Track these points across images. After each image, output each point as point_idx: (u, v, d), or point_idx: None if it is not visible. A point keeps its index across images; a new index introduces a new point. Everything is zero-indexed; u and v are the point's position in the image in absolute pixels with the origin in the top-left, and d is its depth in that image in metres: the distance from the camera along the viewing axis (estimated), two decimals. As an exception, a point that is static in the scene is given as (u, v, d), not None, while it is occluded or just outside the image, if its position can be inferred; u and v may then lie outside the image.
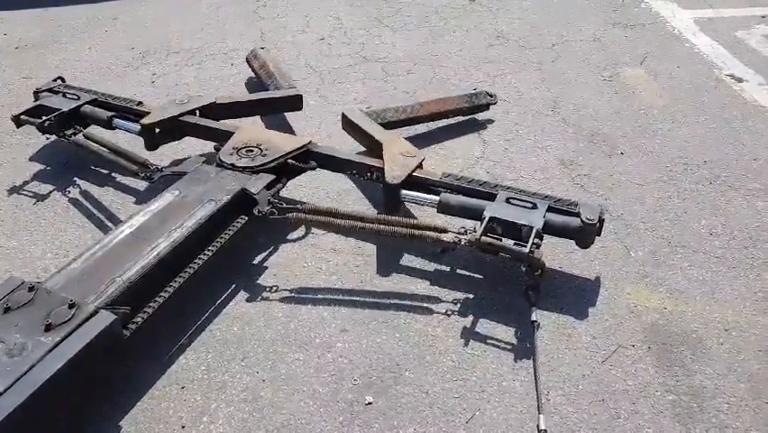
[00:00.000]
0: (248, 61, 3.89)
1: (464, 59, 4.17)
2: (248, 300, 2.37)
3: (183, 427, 1.93)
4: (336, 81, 3.98)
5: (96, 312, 1.83)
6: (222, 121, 3.04)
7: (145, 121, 2.92)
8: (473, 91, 3.47)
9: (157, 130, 2.96)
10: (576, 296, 2.35)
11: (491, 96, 3.44)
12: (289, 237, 2.67)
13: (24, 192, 3.01)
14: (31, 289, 1.89)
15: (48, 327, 1.77)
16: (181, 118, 2.95)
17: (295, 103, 3.33)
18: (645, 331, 2.20)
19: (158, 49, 4.41)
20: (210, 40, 4.56)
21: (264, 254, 2.58)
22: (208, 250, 2.26)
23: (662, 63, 4.00)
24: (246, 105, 3.24)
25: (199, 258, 2.22)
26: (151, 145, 2.98)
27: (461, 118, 3.44)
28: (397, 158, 2.60)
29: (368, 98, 3.74)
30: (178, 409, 1.98)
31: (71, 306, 1.83)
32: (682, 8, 4.76)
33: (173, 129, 2.99)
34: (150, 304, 2.02)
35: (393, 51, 4.33)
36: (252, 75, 3.88)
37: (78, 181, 3.05)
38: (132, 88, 3.88)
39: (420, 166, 2.59)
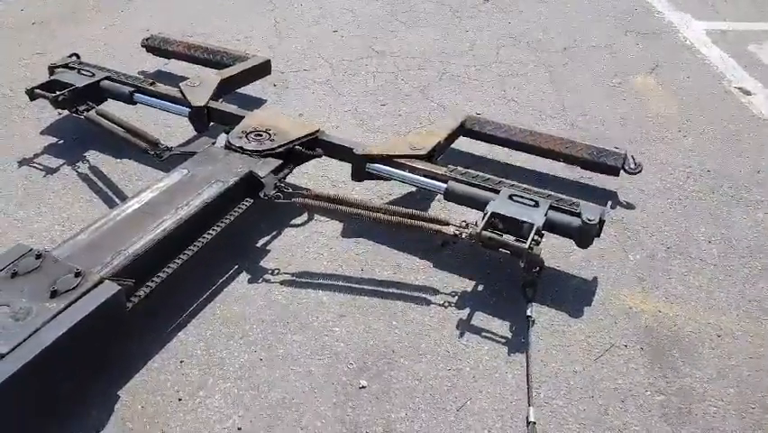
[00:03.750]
0: (154, 49, 3.85)
1: (475, 59, 4.19)
2: (249, 282, 2.41)
3: (180, 399, 1.96)
4: (347, 73, 4.01)
5: (101, 282, 1.87)
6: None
7: (199, 103, 2.98)
8: (615, 149, 2.85)
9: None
10: (573, 295, 2.38)
11: (635, 165, 2.82)
12: (293, 222, 2.71)
13: (35, 165, 3.05)
14: (38, 256, 1.93)
15: (53, 294, 1.81)
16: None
17: (266, 68, 3.63)
18: (639, 332, 2.23)
19: (171, 32, 4.44)
20: (223, 26, 4.59)
21: (267, 238, 2.62)
22: (213, 229, 2.30)
23: (672, 73, 4.02)
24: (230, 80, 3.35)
25: (204, 237, 2.26)
26: (204, 127, 3.04)
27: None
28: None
29: (378, 91, 3.77)
30: (176, 383, 2.02)
31: (77, 274, 1.87)
32: (696, 19, 4.77)
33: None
34: (154, 278, 2.06)
35: (405, 47, 4.36)
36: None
37: (88, 157, 3.10)
38: (143, 69, 3.92)
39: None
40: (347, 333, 2.22)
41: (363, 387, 2.03)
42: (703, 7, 4.98)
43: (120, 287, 1.88)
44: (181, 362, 2.09)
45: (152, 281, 2.04)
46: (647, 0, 5.11)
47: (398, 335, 2.21)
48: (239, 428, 1.89)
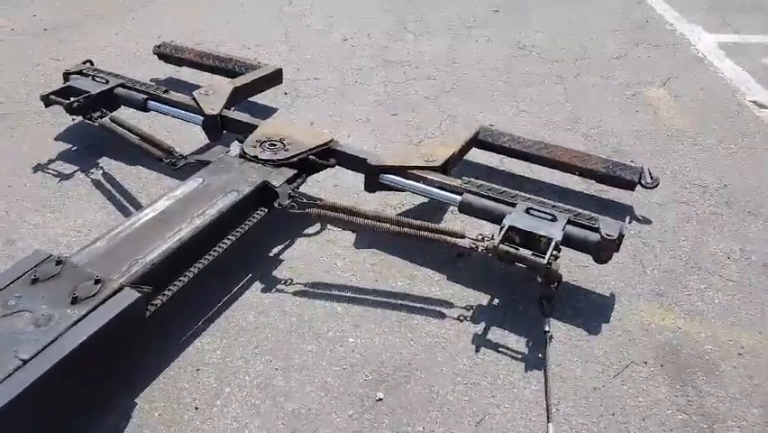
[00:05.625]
0: (166, 56, 3.87)
1: (486, 69, 4.20)
2: (263, 291, 2.40)
3: (197, 408, 1.95)
4: (357, 82, 4.01)
5: (120, 289, 1.86)
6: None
7: (212, 111, 2.98)
8: (630, 163, 2.85)
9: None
10: (590, 310, 2.36)
11: (652, 179, 2.80)
12: (307, 232, 2.70)
13: (49, 170, 3.05)
14: (58, 262, 1.92)
15: (74, 300, 1.80)
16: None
17: (278, 77, 3.66)
18: (658, 349, 2.21)
19: (182, 39, 4.45)
20: (233, 34, 4.61)
21: (281, 247, 2.61)
22: (228, 238, 2.28)
23: (684, 85, 4.02)
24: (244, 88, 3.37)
25: (219, 245, 2.25)
26: (217, 136, 3.04)
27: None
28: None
29: (388, 100, 3.78)
30: (193, 391, 2.00)
31: (97, 281, 1.86)
32: (707, 32, 4.78)
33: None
34: (170, 286, 2.04)
35: (415, 56, 4.37)
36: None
37: (102, 164, 3.09)
38: (155, 76, 3.92)
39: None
40: (362, 344, 2.20)
41: (380, 399, 2.02)
42: (714, 20, 4.99)
43: (139, 294, 1.87)
44: (197, 370, 2.07)
45: (169, 289, 2.03)
46: (658, 12, 5.13)
47: (414, 347, 2.20)
48: (256, 439, 1.88)
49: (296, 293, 2.40)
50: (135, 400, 1.96)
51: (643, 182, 2.80)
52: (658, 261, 2.59)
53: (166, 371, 2.06)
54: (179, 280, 2.09)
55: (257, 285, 2.43)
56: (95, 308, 1.79)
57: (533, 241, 2.23)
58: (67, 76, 3.34)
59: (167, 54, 3.86)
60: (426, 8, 5.16)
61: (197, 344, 2.16)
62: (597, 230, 2.26)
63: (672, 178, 3.12)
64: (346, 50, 4.45)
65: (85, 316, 1.76)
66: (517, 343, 2.22)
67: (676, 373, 2.12)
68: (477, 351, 2.19)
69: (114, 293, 1.84)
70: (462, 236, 2.31)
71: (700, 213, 2.88)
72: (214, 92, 3.14)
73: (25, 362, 1.64)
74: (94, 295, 1.82)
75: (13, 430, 1.61)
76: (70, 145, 3.24)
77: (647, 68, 4.24)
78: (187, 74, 3.98)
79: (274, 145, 2.71)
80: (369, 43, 4.55)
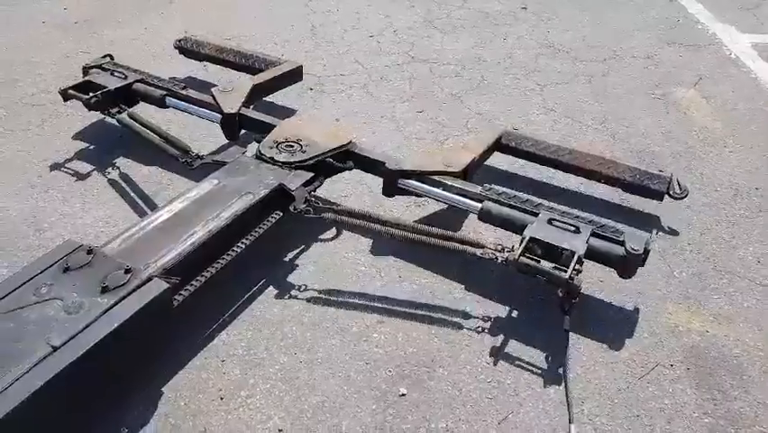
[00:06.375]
0: (187, 51, 3.83)
1: (513, 66, 4.17)
2: (288, 284, 2.41)
3: (222, 398, 1.97)
4: (384, 79, 4.01)
5: (149, 279, 1.89)
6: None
7: (231, 110, 2.94)
8: (659, 173, 2.75)
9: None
10: (615, 311, 2.33)
11: (681, 189, 2.71)
12: (332, 230, 2.70)
13: (79, 162, 3.10)
14: (89, 252, 1.96)
15: (104, 289, 1.84)
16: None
17: (298, 74, 3.60)
18: (685, 352, 2.18)
19: (210, 34, 4.49)
20: (261, 30, 4.63)
21: (306, 242, 2.62)
22: (251, 234, 2.28)
23: (716, 86, 3.94)
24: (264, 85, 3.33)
25: (249, 236, 2.25)
26: (235, 135, 3.01)
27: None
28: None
29: (414, 98, 3.77)
30: (217, 382, 2.03)
31: (127, 271, 1.89)
32: (740, 32, 4.68)
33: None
34: (198, 277, 2.07)
35: (442, 53, 4.35)
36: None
37: (132, 156, 3.13)
38: (181, 72, 3.96)
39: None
40: (385, 339, 2.21)
41: (403, 395, 2.02)
42: (748, 20, 4.88)
43: (168, 285, 1.89)
44: (222, 361, 2.10)
45: (197, 279, 2.05)
46: (690, 11, 5.04)
47: (437, 344, 2.20)
48: (279, 430, 1.90)
49: (320, 287, 2.41)
50: (162, 390, 1.99)
51: (671, 192, 2.70)
52: (687, 263, 2.55)
53: (192, 361, 2.09)
54: (207, 271, 2.10)
55: (282, 278, 2.44)
56: (124, 298, 1.82)
57: (554, 253, 2.14)
58: (86, 70, 3.33)
59: (187, 49, 3.83)
60: (453, 5, 5.13)
61: (223, 336, 2.19)
62: (622, 243, 2.16)
63: (702, 180, 3.07)
64: (372, 46, 4.45)
65: (115, 304, 1.79)
66: (542, 342, 2.20)
67: (703, 377, 2.09)
68: (500, 349, 2.18)
69: (144, 283, 1.87)
70: (482, 246, 2.25)
71: (731, 216, 2.83)
72: (233, 89, 3.09)
73: (56, 348, 1.67)
74: (123, 285, 1.85)
75: (43, 415, 1.64)
76: (101, 137, 3.29)
77: (678, 68, 4.17)
78: (215, 70, 4.00)
79: (291, 147, 2.65)
80: (395, 40, 4.54)
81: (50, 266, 1.93)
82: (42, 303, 1.81)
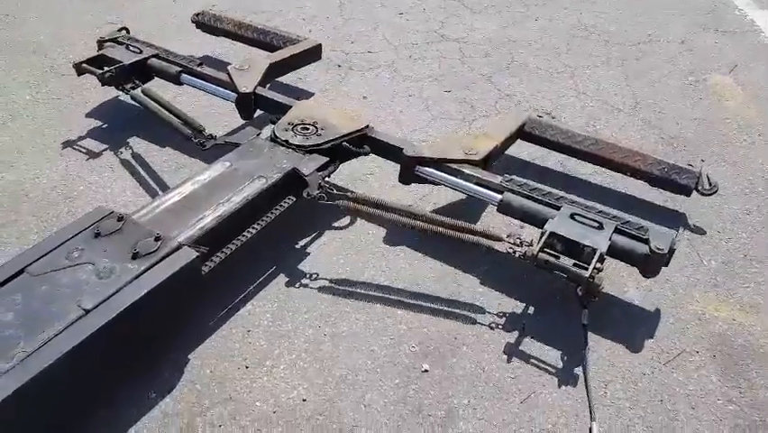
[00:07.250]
0: (204, 25, 3.71)
1: (544, 48, 4.10)
2: (314, 259, 2.43)
3: (247, 367, 2.00)
4: (412, 57, 3.97)
5: (179, 247, 1.91)
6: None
7: (246, 89, 2.86)
8: (689, 167, 2.64)
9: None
10: (643, 296, 2.31)
11: (711, 185, 2.62)
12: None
13: (107, 131, 3.13)
14: (120, 219, 1.99)
15: (135, 256, 1.86)
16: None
17: (317, 53, 3.50)
18: (711, 339, 2.15)
19: (238, 8, 4.48)
20: (288, 5, 4.60)
21: (331, 221, 2.62)
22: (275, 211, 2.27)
23: (752, 73, 3.84)
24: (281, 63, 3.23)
25: (274, 211, 2.26)
26: (250, 114, 2.94)
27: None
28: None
29: (442, 77, 3.73)
30: (243, 351, 2.06)
31: (157, 238, 1.91)
32: (780, 19, 4.55)
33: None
34: (227, 246, 2.08)
35: (471, 33, 4.29)
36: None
37: (159, 127, 3.13)
38: (208, 47, 3.95)
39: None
40: (409, 317, 2.22)
41: (426, 371, 2.03)
42: (788, 6, 4.74)
43: (197, 253, 1.91)
44: (248, 331, 2.12)
45: (228, 248, 2.07)
46: (728, -4, 4.90)
47: (461, 323, 2.20)
48: (303, 399, 1.92)
49: (345, 262, 2.42)
50: (189, 357, 2.03)
51: (700, 188, 2.61)
52: (716, 251, 2.51)
53: (218, 331, 2.12)
54: (233, 244, 2.11)
55: (308, 254, 2.45)
56: (155, 264, 1.84)
57: (575, 250, 2.05)
58: (101, 44, 3.23)
59: (205, 23, 3.72)
60: (483, -16, 5.04)
61: (249, 306, 2.21)
62: (646, 241, 2.08)
63: (734, 168, 3.00)
64: (401, 24, 4.41)
65: (145, 271, 1.82)
66: (566, 325, 2.19)
67: (728, 365, 2.07)
68: (524, 329, 2.18)
69: (174, 251, 1.89)
70: (499, 239, 2.18)
71: (762, 205, 2.77)
72: (250, 67, 2.98)
73: (88, 311, 1.71)
74: (154, 252, 1.88)
75: (75, 376, 1.68)
76: (128, 107, 3.31)
77: (713, 54, 4.07)
78: (242, 46, 3.99)
79: (306, 129, 2.55)
80: (424, 18, 4.49)
81: (82, 231, 1.96)
82: (75, 267, 1.84)
